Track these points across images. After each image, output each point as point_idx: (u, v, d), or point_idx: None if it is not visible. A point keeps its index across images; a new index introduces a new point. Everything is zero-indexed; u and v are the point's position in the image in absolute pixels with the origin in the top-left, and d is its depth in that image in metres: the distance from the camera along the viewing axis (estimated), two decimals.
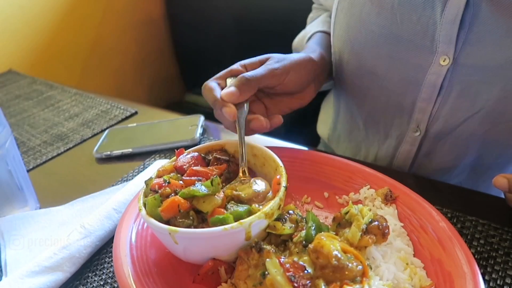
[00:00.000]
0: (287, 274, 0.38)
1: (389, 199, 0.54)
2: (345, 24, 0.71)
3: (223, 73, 0.61)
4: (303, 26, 0.95)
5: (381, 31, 0.65)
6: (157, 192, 0.46)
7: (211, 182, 0.46)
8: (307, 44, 0.80)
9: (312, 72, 0.67)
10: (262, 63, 0.62)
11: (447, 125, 0.67)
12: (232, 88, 0.56)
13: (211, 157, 0.54)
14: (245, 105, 0.58)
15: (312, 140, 1.16)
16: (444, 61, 0.61)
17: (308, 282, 0.39)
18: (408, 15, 0.62)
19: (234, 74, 0.61)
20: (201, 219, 0.45)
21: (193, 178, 0.48)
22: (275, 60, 0.62)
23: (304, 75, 0.65)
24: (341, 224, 0.48)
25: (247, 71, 0.60)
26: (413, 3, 0.61)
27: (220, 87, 0.59)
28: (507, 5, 0.54)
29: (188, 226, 0.43)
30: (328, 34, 0.80)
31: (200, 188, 0.45)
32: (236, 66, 0.62)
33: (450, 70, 0.61)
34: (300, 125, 1.63)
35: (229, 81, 0.60)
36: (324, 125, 0.98)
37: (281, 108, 0.65)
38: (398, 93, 0.69)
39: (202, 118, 0.83)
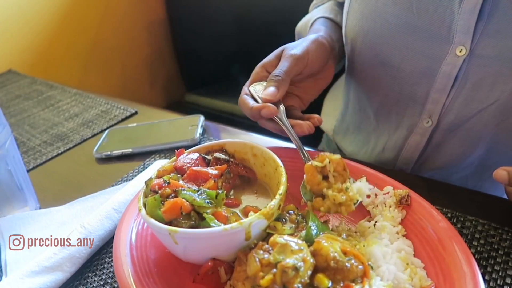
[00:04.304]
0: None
1: (403, 202, 0.52)
2: (359, 14, 0.70)
3: (248, 82, 0.64)
4: None
5: (396, 21, 0.65)
6: (157, 192, 0.46)
7: (216, 196, 0.46)
8: (312, 27, 0.80)
9: (326, 48, 0.69)
10: (278, 57, 0.64)
11: (460, 117, 0.66)
12: (271, 88, 0.59)
13: (211, 157, 0.54)
14: (281, 104, 0.61)
15: (313, 139, 1.15)
16: (460, 51, 0.60)
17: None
18: (425, 4, 0.61)
19: (257, 80, 0.64)
20: (202, 217, 0.45)
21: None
22: (290, 49, 0.63)
23: (321, 52, 0.67)
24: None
25: (268, 72, 0.63)
26: None
27: (250, 97, 0.62)
28: None
29: (190, 227, 0.43)
30: (331, 20, 0.80)
31: (205, 200, 0.45)
32: (257, 70, 0.64)
33: (466, 60, 0.61)
34: None
35: (254, 88, 0.62)
36: (329, 119, 0.97)
37: (312, 92, 0.69)
38: (412, 84, 0.68)
39: (202, 118, 0.83)
